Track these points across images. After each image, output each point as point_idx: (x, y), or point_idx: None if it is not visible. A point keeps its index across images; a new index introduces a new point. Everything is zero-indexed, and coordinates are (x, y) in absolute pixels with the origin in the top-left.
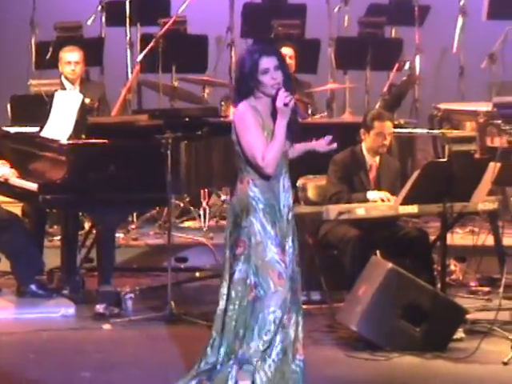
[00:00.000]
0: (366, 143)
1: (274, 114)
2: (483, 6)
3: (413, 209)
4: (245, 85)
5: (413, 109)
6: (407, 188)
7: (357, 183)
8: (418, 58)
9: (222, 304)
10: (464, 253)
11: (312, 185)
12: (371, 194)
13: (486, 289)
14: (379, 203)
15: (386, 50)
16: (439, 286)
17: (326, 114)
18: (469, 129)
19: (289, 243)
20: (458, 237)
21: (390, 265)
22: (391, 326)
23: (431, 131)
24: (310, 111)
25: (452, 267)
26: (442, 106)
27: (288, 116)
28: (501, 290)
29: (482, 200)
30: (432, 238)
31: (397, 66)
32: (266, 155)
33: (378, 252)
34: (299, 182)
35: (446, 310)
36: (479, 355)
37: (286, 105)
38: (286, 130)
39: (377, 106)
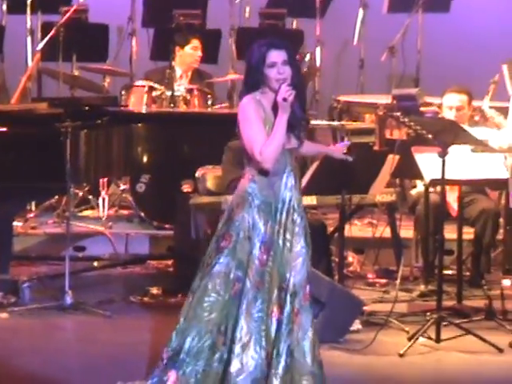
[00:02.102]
0: None
1: (275, 108)
2: None
3: (311, 200)
4: (251, 77)
5: (313, 100)
6: (306, 179)
7: None
8: (318, 50)
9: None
10: (362, 245)
11: (211, 175)
12: None
13: (384, 281)
14: None
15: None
16: (337, 277)
17: (226, 104)
18: (368, 121)
19: (300, 243)
20: (357, 228)
21: None
22: None
23: (331, 123)
24: (210, 102)
25: (350, 259)
26: (342, 98)
27: (288, 111)
28: (397, 282)
29: (380, 192)
30: (330, 229)
31: (297, 57)
32: (264, 150)
33: None
34: (198, 173)
35: (343, 301)
36: (376, 347)
37: (285, 99)
38: (289, 127)
39: None
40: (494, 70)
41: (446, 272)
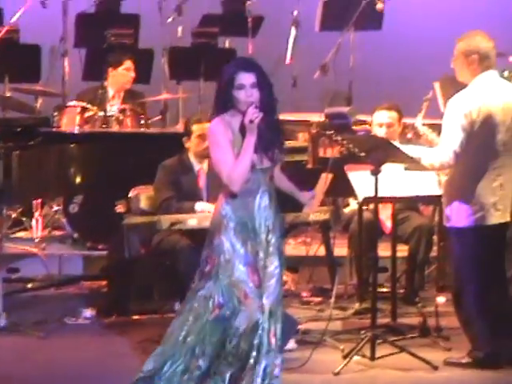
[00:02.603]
0: (191, 149)
1: (243, 130)
2: (316, 17)
3: None
4: (220, 99)
5: None
6: None
7: (186, 190)
8: None
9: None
10: (296, 263)
11: (144, 195)
12: (199, 206)
13: (318, 299)
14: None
15: (218, 60)
16: None
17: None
18: (301, 139)
19: (274, 263)
20: (291, 247)
21: None
22: None
23: None
24: (142, 122)
25: (284, 277)
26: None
27: (255, 133)
28: (332, 300)
29: (314, 210)
30: None
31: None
32: (231, 172)
33: None
34: (131, 193)
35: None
36: (311, 365)
37: (251, 122)
38: (260, 148)
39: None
40: (426, 87)
41: (380, 290)
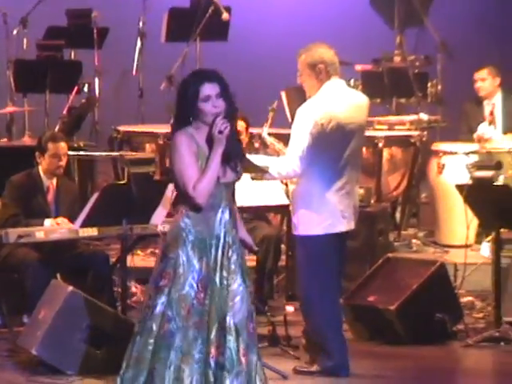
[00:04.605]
0: (43, 166)
1: (210, 142)
2: (162, 28)
3: (93, 231)
4: (184, 111)
5: (93, 131)
6: (86, 211)
7: (34, 206)
8: (97, 80)
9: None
10: (145, 274)
11: None
12: (48, 222)
13: None
14: (59, 226)
15: (65, 73)
16: (120, 308)
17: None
18: (149, 151)
19: (237, 281)
20: (139, 259)
21: (70, 288)
22: (72, 349)
23: (110, 153)
24: None
25: (133, 289)
26: (122, 128)
27: (223, 144)
28: None
29: (162, 222)
30: (113, 260)
31: (76, 88)
32: (198, 185)
33: (58, 275)
34: None
35: (127, 331)
36: None
37: (220, 132)
38: (224, 160)
39: (56, 129)
40: (272, 97)
41: None
